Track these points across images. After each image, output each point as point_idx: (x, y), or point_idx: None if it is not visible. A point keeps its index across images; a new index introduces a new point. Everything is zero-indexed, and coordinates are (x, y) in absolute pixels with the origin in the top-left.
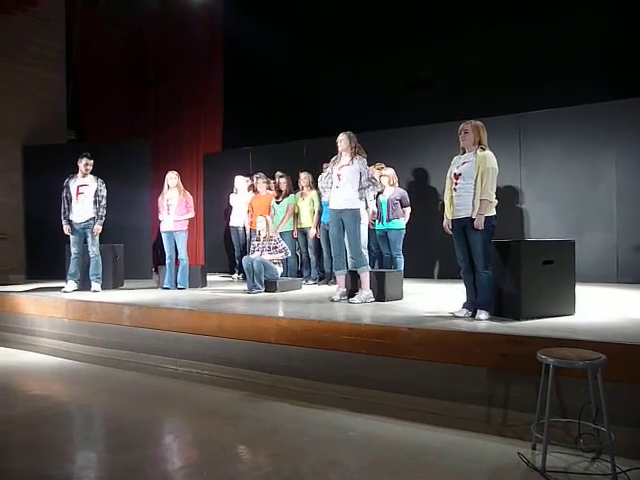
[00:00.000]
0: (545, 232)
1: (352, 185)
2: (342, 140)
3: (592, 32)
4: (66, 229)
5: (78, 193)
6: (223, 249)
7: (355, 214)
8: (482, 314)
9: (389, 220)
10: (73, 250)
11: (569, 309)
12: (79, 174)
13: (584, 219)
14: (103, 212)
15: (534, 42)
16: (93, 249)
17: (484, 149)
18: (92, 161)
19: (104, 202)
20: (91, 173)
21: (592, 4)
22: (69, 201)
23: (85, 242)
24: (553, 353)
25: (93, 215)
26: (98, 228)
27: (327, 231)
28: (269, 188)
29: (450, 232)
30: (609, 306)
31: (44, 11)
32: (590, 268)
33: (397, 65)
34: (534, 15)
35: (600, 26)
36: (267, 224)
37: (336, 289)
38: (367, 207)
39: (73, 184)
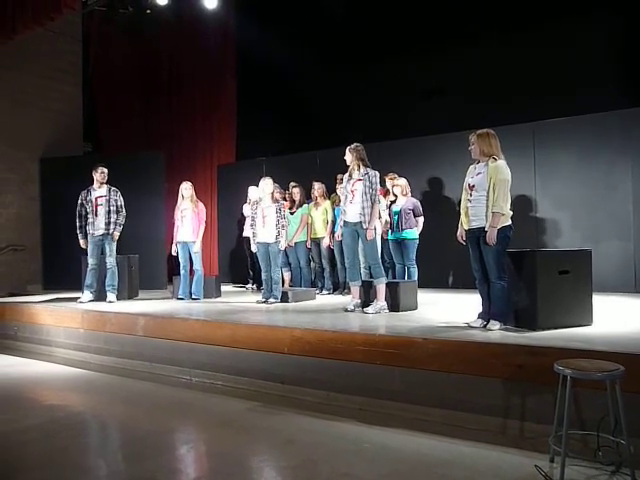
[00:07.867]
0: (561, 241)
1: (366, 198)
2: (346, 154)
3: (607, 40)
4: (82, 243)
5: (97, 205)
6: (237, 259)
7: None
8: (494, 325)
9: (402, 230)
10: (90, 262)
11: (586, 319)
12: (95, 185)
13: (600, 228)
14: (122, 220)
15: (549, 51)
16: (110, 260)
17: (496, 159)
18: (107, 170)
19: (124, 212)
20: (104, 183)
21: (607, 12)
22: (87, 215)
23: (102, 253)
24: (570, 364)
25: (111, 225)
26: (116, 235)
27: (341, 241)
28: (284, 198)
29: (463, 242)
30: (627, 316)
31: (62, 25)
32: (607, 277)
33: (411, 74)
34: (549, 24)
35: (615, 34)
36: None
37: (350, 299)
38: (380, 217)
39: (91, 198)
